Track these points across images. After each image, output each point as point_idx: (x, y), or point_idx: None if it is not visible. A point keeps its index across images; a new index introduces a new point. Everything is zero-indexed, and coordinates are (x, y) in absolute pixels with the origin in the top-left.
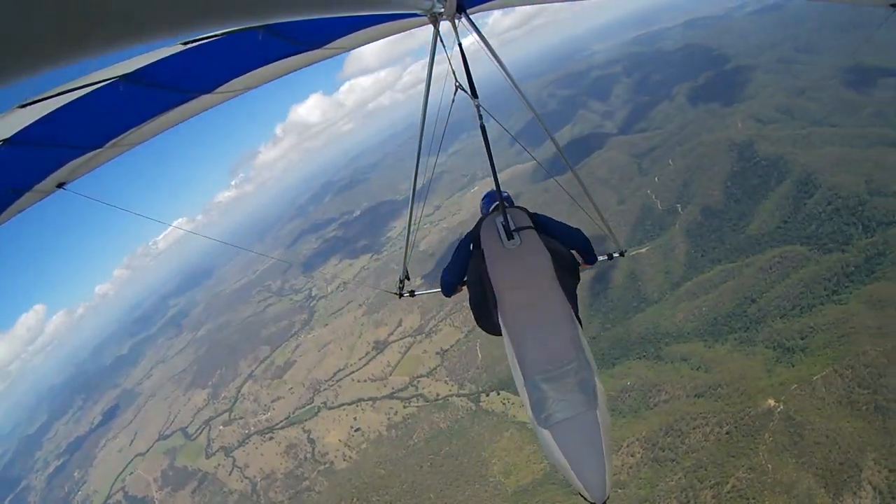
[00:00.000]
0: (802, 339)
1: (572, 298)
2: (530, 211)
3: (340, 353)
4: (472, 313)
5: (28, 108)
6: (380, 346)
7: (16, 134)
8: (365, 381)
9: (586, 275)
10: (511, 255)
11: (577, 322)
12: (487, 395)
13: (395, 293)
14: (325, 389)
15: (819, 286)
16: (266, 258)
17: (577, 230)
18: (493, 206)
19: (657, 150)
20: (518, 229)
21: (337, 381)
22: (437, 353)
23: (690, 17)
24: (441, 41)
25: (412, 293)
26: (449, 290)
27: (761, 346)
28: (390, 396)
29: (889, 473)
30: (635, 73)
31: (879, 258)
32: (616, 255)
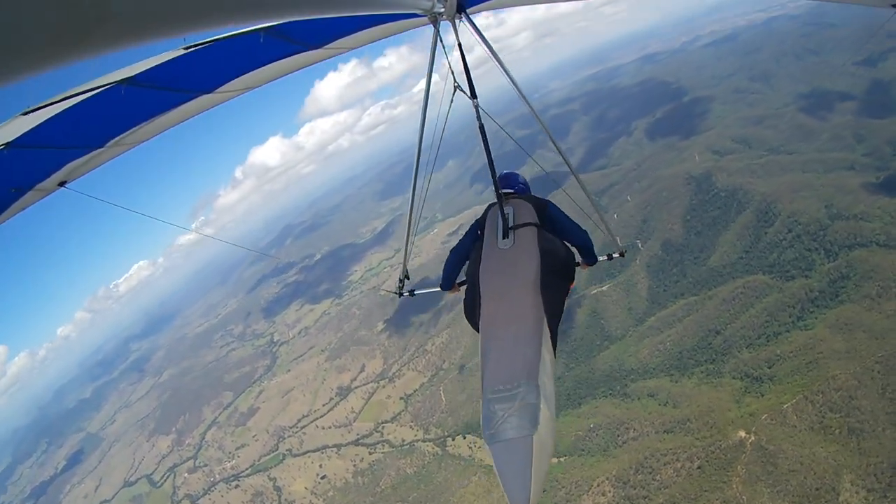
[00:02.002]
0: (770, 367)
1: (556, 305)
2: (543, 200)
3: (304, 399)
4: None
5: (31, 114)
6: (343, 392)
7: (18, 138)
8: (329, 427)
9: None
10: (500, 257)
11: (546, 341)
12: (453, 440)
13: (395, 293)
14: (289, 436)
15: (784, 314)
16: (225, 303)
17: (584, 231)
18: (505, 193)
19: (616, 187)
20: (516, 227)
21: (301, 427)
22: (401, 398)
23: (646, 52)
24: (441, 41)
25: (412, 292)
26: (448, 278)
27: (728, 378)
28: (356, 443)
29: (867, 494)
30: (592, 110)
31: (843, 281)
32: (616, 255)
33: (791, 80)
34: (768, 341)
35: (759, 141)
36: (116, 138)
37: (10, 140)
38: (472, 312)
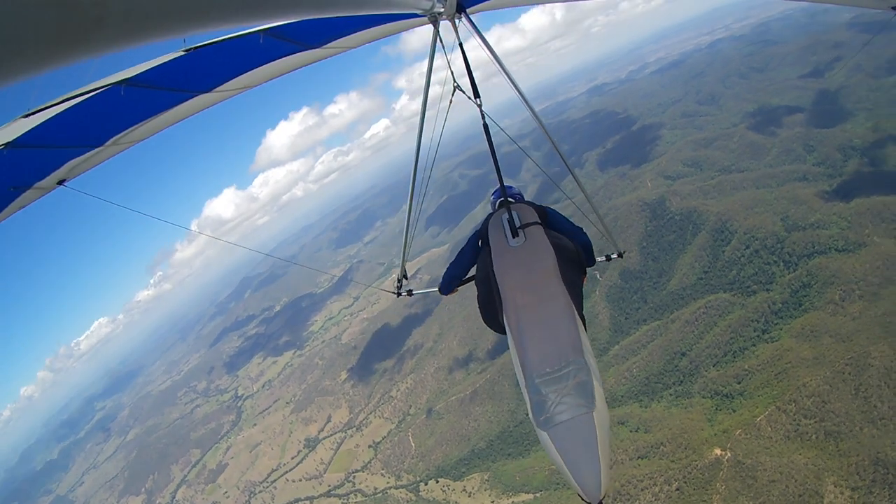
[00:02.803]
0: (739, 383)
1: (576, 296)
2: (538, 205)
3: (272, 452)
4: (479, 312)
5: (31, 117)
6: (311, 444)
7: (18, 137)
8: (300, 480)
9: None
10: (516, 253)
11: (578, 322)
12: (426, 484)
13: (394, 292)
14: (260, 491)
15: (748, 329)
16: (187, 360)
17: (580, 229)
18: (499, 202)
19: (570, 220)
20: (523, 226)
21: (272, 482)
22: (370, 446)
23: (594, 83)
24: (440, 41)
25: (410, 292)
26: (449, 285)
27: (698, 398)
28: (328, 494)
29: (852, 493)
30: (543, 145)
31: (805, 290)
32: (614, 256)
33: (738, 99)
34: (735, 357)
35: (710, 162)
36: (115, 137)
37: (9, 140)
38: (489, 310)
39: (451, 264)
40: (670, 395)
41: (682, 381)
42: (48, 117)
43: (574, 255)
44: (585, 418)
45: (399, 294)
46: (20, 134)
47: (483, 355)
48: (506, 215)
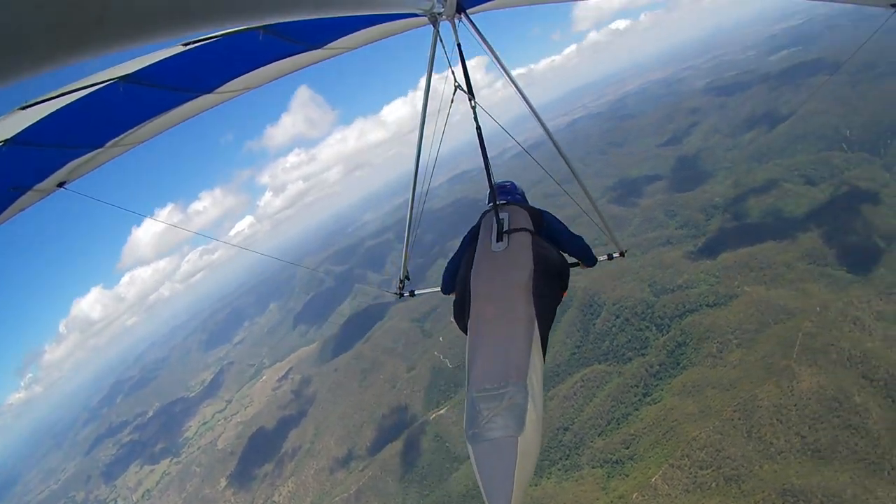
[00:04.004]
0: (627, 448)
1: (546, 311)
2: (536, 209)
3: None
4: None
5: (29, 109)
6: None
7: (17, 134)
8: None
9: None
10: (494, 259)
11: (534, 345)
12: None
13: (396, 293)
14: None
15: (629, 394)
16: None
17: (580, 238)
18: (501, 201)
19: (438, 310)
20: (511, 231)
21: None
22: None
23: (455, 171)
24: (440, 41)
25: (412, 293)
26: (448, 282)
27: (588, 469)
28: None
29: None
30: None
31: (682, 348)
32: (616, 255)
33: (598, 176)
34: (619, 424)
35: None
36: (116, 138)
37: (9, 136)
38: (462, 314)
39: (449, 260)
40: (559, 469)
41: (568, 455)
42: (48, 113)
43: (557, 268)
44: (509, 441)
45: (401, 295)
46: (20, 130)
47: (363, 452)
48: (500, 215)
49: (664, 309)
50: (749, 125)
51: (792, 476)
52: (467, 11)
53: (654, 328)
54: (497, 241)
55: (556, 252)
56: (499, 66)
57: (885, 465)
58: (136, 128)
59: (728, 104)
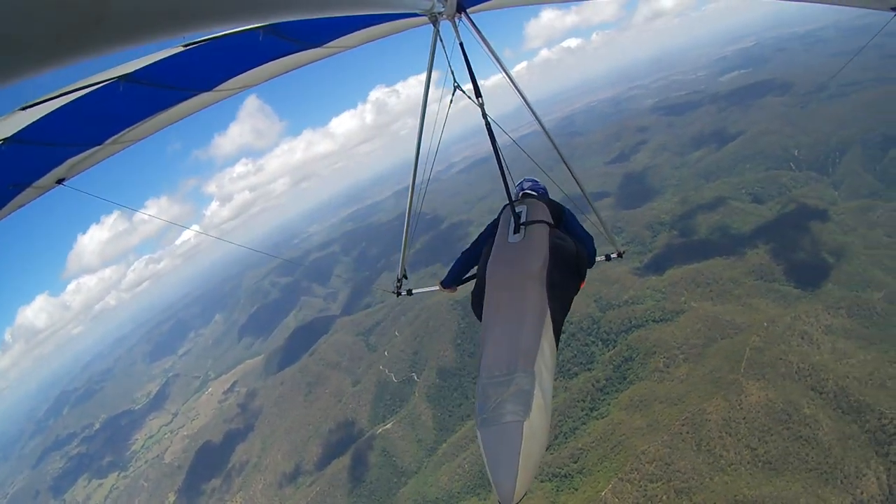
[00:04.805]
0: (576, 462)
1: (560, 301)
2: (556, 203)
3: None
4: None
5: (29, 109)
6: None
7: (17, 133)
8: None
9: None
10: (510, 250)
11: (546, 332)
12: None
13: (393, 292)
14: None
15: (575, 409)
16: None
17: (592, 240)
18: (521, 194)
19: (382, 324)
20: (528, 223)
21: None
22: None
23: (400, 187)
24: (440, 40)
25: (410, 292)
26: (452, 279)
27: (537, 483)
28: None
29: None
30: (353, 250)
31: (628, 363)
32: (614, 255)
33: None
34: (567, 438)
35: None
36: (115, 136)
37: (8, 135)
38: (478, 303)
39: (463, 251)
40: None
41: None
42: (47, 112)
43: (573, 259)
44: (515, 426)
45: (399, 294)
46: (19, 129)
47: (311, 467)
48: (518, 209)
49: (610, 324)
50: (697, 144)
51: (743, 487)
52: (467, 11)
53: (600, 343)
54: (514, 233)
55: (573, 244)
56: (499, 66)
57: (837, 475)
58: (135, 125)
59: (676, 123)
